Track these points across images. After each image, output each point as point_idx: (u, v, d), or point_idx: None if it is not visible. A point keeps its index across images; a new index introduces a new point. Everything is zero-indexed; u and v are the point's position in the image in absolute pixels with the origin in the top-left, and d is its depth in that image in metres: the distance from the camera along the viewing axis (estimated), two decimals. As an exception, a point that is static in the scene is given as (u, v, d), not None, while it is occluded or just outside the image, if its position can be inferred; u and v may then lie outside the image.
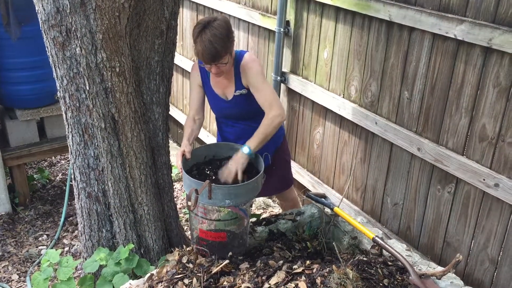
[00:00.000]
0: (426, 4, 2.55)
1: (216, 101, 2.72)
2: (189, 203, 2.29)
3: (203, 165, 2.65)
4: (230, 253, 2.38)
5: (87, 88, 2.48)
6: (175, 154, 2.59)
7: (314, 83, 3.39)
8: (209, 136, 4.56)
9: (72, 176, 2.84)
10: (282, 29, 3.45)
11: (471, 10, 2.36)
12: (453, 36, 2.42)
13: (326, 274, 2.07)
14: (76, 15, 2.29)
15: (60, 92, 2.61)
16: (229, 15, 3.94)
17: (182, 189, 4.40)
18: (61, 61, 2.48)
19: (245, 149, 2.48)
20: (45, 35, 2.46)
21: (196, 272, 2.24)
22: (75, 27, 2.33)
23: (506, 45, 2.21)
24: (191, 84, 2.78)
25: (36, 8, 2.42)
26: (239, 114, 2.72)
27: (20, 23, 3.61)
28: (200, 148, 2.75)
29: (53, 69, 2.55)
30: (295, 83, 3.51)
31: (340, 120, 3.26)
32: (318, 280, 2.04)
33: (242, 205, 2.43)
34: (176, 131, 5.27)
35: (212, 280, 2.18)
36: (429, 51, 2.59)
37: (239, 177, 2.45)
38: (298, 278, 2.10)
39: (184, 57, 4.75)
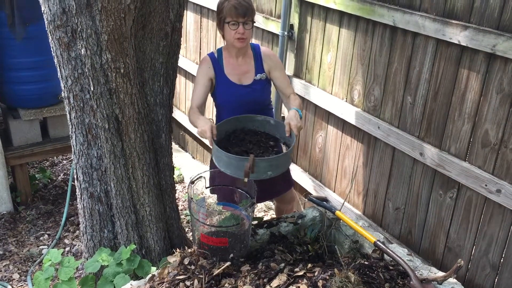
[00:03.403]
0: (430, 10, 2.56)
1: (233, 89, 2.73)
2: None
3: (226, 141, 2.61)
4: (231, 255, 2.38)
5: (92, 88, 2.48)
6: (199, 132, 2.50)
7: (317, 87, 3.40)
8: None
9: (75, 176, 2.84)
10: (285, 33, 3.46)
11: (475, 16, 2.37)
12: (457, 42, 2.43)
13: (327, 277, 2.07)
14: (82, 16, 2.30)
15: (64, 92, 2.62)
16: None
17: (184, 190, 4.40)
18: (66, 62, 2.49)
19: (295, 109, 2.65)
20: (51, 35, 2.47)
21: (197, 273, 2.24)
22: (81, 28, 2.34)
23: (510, 52, 2.22)
24: (199, 77, 2.74)
25: (42, 9, 2.43)
26: (255, 101, 2.78)
27: (25, 23, 3.63)
28: (220, 125, 2.64)
29: (58, 69, 2.56)
30: (298, 86, 3.52)
31: (343, 124, 3.27)
32: (320, 284, 2.04)
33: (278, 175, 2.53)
34: (178, 132, 5.28)
35: (213, 282, 2.19)
36: (433, 56, 2.59)
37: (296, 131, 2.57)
38: (300, 281, 2.10)
39: (187, 59, 4.76)
